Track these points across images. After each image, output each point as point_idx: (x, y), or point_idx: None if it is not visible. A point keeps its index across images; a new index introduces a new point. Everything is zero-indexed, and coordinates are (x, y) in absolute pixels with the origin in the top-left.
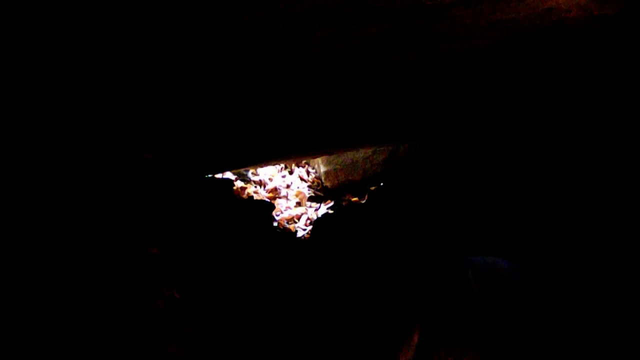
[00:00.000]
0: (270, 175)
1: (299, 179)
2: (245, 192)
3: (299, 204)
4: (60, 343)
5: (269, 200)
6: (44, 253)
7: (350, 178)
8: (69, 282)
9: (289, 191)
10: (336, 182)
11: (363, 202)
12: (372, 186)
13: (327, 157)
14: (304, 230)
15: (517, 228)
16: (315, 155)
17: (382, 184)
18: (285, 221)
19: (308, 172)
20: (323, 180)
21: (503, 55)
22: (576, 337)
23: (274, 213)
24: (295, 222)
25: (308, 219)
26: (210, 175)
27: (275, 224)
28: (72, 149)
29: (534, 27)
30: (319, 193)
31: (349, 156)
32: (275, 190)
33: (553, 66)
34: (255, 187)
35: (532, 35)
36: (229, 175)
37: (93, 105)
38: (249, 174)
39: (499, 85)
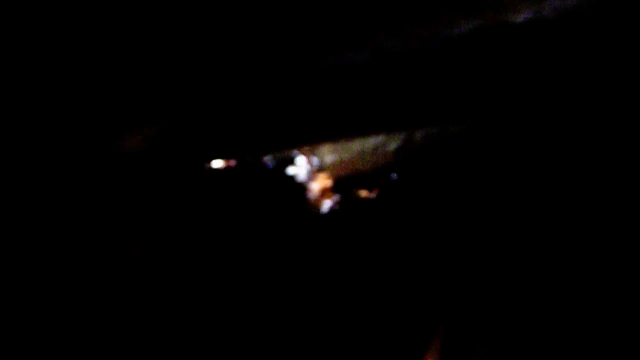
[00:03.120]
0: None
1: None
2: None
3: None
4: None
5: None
6: (20, 254)
7: (358, 169)
8: (48, 286)
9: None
10: (343, 173)
11: (373, 196)
12: (383, 178)
13: (332, 144)
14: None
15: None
16: (319, 143)
17: (395, 175)
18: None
19: (311, 162)
20: (329, 172)
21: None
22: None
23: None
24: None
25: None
26: (203, 165)
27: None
28: (46, 133)
29: None
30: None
31: (357, 144)
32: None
33: None
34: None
35: None
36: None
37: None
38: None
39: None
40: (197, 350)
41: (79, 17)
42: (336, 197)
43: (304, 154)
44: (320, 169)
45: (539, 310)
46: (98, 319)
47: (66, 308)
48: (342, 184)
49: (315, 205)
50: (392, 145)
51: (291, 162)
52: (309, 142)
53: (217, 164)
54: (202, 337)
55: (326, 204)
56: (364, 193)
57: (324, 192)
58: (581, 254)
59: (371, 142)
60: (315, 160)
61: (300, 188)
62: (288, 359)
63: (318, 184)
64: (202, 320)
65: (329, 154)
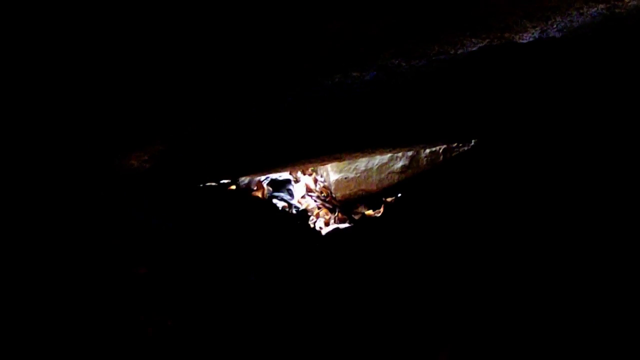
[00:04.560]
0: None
1: (305, 188)
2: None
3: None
4: None
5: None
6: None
7: (363, 188)
8: (45, 304)
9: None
10: (347, 192)
11: (378, 215)
12: (389, 197)
13: (337, 163)
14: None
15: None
16: (324, 161)
17: (400, 195)
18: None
19: (316, 181)
20: (332, 191)
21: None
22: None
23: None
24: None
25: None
26: (206, 184)
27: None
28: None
29: None
30: (327, 205)
31: (362, 163)
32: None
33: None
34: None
35: None
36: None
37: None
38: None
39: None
40: None
41: (87, 34)
42: (340, 217)
43: (309, 173)
44: (325, 188)
45: (549, 328)
46: (100, 338)
47: (68, 327)
48: (348, 203)
49: (320, 224)
50: (398, 163)
51: (295, 180)
52: (314, 160)
53: (222, 182)
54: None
55: (330, 224)
56: (368, 212)
57: (329, 211)
58: (590, 277)
59: (377, 160)
60: (319, 179)
61: (304, 207)
62: None
63: (322, 202)
64: (207, 339)
65: (334, 172)
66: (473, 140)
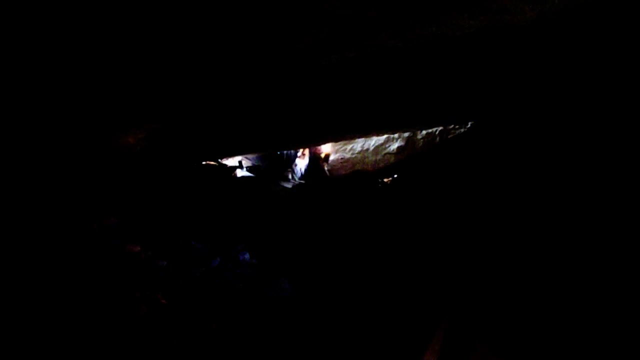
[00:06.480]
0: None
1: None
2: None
3: None
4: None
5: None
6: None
7: (359, 168)
8: (45, 280)
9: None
10: (343, 173)
11: (375, 196)
12: (385, 178)
13: (333, 144)
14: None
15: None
16: (320, 142)
17: (396, 175)
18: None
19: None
20: (329, 171)
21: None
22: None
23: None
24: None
25: None
26: (204, 163)
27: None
28: (48, 131)
29: None
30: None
31: (358, 143)
32: None
33: None
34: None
35: None
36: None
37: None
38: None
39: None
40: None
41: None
42: (337, 196)
43: (304, 153)
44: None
45: (537, 308)
46: (94, 316)
47: (63, 304)
48: (344, 183)
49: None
50: (394, 144)
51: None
52: (311, 140)
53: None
54: (201, 338)
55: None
56: (365, 192)
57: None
58: (579, 252)
59: (373, 141)
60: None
61: (300, 188)
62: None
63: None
64: (203, 318)
65: (330, 153)
66: (470, 121)
